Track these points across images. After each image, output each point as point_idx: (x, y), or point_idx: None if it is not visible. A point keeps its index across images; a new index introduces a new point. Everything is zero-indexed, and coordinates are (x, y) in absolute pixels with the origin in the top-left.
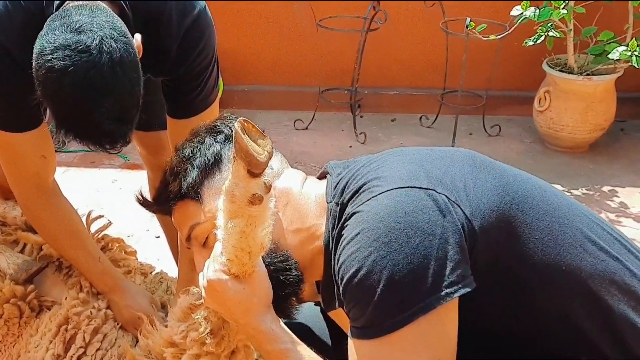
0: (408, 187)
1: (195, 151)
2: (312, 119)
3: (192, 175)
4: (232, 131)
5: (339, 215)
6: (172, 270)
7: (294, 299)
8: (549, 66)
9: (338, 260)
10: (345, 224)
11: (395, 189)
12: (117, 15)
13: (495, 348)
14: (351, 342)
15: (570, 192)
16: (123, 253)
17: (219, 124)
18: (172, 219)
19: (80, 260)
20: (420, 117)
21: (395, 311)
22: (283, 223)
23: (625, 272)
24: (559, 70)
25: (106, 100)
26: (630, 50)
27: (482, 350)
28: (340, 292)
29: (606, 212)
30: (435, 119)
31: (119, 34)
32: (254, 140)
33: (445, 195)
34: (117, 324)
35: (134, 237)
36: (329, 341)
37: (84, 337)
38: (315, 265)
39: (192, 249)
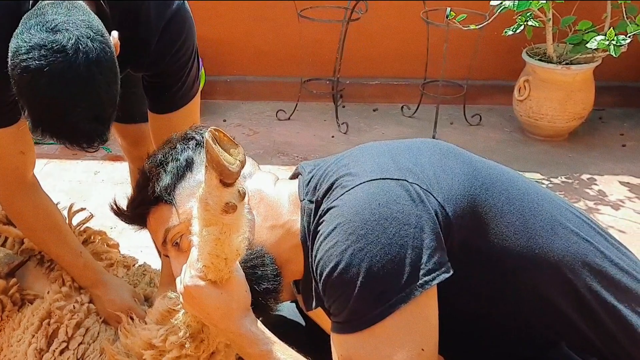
0: (380, 178)
1: (167, 156)
2: (294, 110)
3: (165, 178)
4: (203, 139)
5: (314, 212)
6: (155, 262)
7: (273, 297)
8: (529, 55)
9: (315, 256)
10: (321, 220)
11: (368, 181)
12: (93, 13)
13: (476, 333)
14: (334, 338)
15: (550, 181)
16: (105, 246)
17: (190, 132)
18: (147, 227)
19: (61, 255)
20: (402, 107)
21: (376, 303)
22: (257, 220)
23: (596, 254)
24: (539, 60)
25: (82, 101)
26: (608, 40)
27: (463, 336)
28: (320, 288)
29: (585, 199)
30: (417, 108)
31: (95, 33)
32: (226, 150)
33: (417, 184)
34: (100, 318)
35: (117, 229)
36: (308, 339)
37: (66, 332)
38: (292, 262)
39: (168, 254)
